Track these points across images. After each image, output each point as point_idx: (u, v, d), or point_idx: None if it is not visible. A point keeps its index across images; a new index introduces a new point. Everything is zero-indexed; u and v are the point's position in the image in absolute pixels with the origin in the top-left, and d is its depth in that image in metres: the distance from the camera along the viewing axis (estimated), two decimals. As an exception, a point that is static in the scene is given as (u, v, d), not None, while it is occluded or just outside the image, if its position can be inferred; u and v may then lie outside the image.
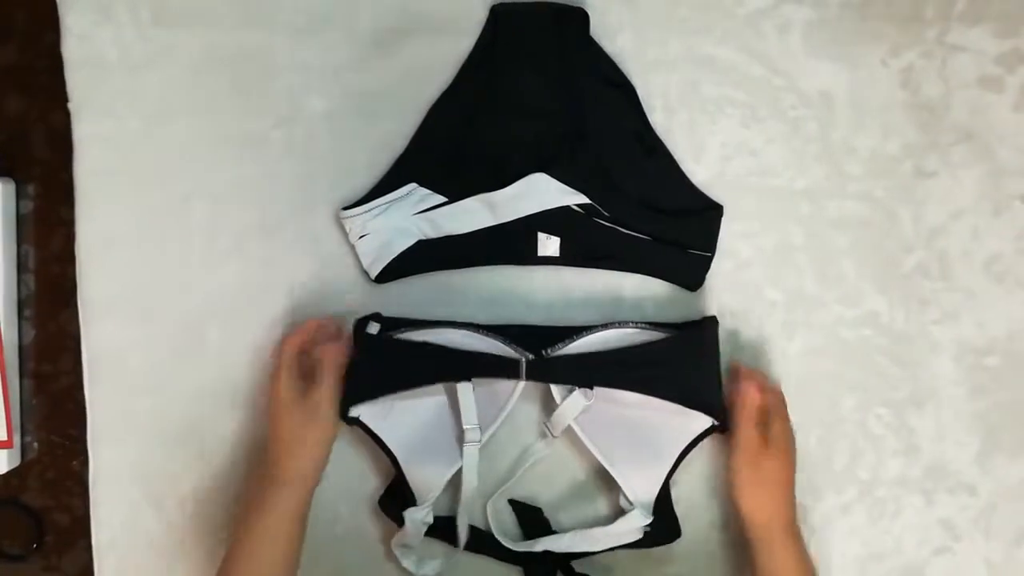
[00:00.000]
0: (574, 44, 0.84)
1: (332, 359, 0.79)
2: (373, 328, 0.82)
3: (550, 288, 0.86)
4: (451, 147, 0.84)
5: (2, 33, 0.89)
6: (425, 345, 0.80)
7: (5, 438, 0.87)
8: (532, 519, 0.86)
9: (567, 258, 0.85)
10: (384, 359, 0.80)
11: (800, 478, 0.83)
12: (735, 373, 0.83)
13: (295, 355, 0.79)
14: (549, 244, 0.85)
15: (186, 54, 0.86)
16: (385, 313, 0.84)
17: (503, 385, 0.81)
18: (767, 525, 0.78)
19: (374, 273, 0.85)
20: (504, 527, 0.86)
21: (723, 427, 0.80)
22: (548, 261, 0.85)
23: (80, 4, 0.86)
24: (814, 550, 0.86)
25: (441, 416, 0.83)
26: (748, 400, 0.79)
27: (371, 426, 0.81)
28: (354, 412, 0.80)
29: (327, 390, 0.78)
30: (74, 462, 0.90)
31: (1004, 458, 0.86)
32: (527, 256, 0.85)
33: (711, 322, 0.82)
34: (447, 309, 0.86)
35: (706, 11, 0.86)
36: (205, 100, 0.86)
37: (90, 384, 0.87)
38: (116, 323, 0.87)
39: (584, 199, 0.83)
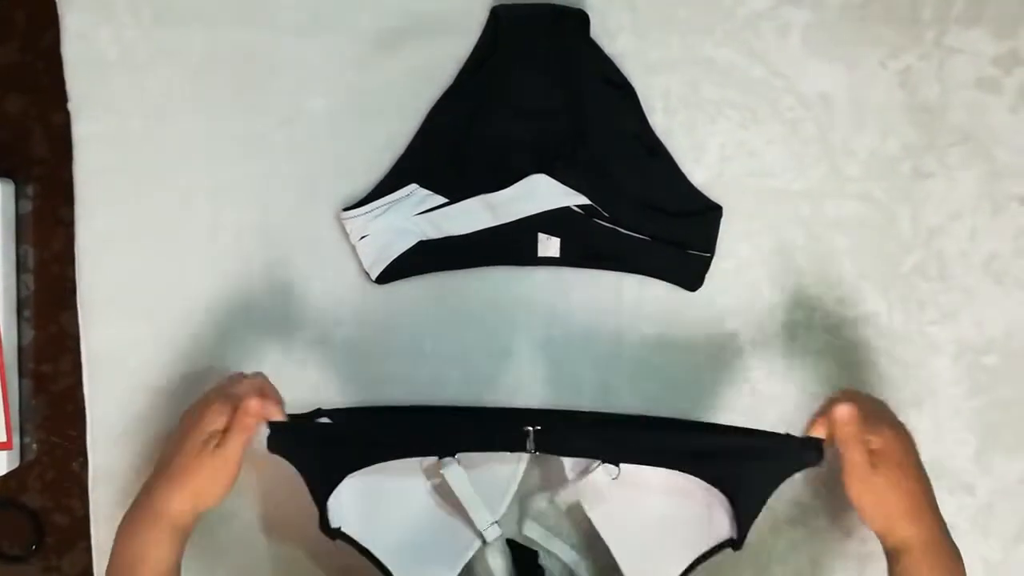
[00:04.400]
0: (574, 45, 0.84)
1: (247, 421, 0.71)
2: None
3: (550, 288, 0.86)
4: (452, 148, 0.85)
5: (2, 33, 0.89)
6: (397, 424, 0.76)
7: (4, 439, 0.86)
8: (528, 565, 0.82)
9: (567, 259, 0.85)
10: (352, 438, 0.74)
11: (801, 478, 0.84)
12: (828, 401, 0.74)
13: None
14: (549, 245, 0.85)
15: (187, 53, 0.86)
16: (386, 314, 0.84)
17: (497, 472, 0.76)
18: (900, 544, 0.70)
19: (375, 274, 0.85)
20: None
21: (738, 544, 0.73)
22: (548, 262, 0.85)
23: (80, 3, 0.85)
24: (815, 550, 0.86)
25: (436, 506, 0.77)
26: (838, 418, 0.70)
27: (357, 537, 0.74)
28: (335, 521, 0.74)
29: (235, 449, 0.70)
30: (74, 463, 0.90)
31: (1002, 457, 0.87)
32: (527, 257, 0.85)
33: (811, 447, 0.72)
34: (447, 310, 0.86)
35: (706, 13, 0.86)
36: (206, 100, 0.86)
37: (90, 385, 0.87)
38: (116, 323, 0.86)
39: (584, 200, 0.83)
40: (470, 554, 0.76)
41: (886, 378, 0.87)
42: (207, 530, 0.83)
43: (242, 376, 0.77)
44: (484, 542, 0.76)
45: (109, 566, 0.70)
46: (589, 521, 0.77)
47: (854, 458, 0.70)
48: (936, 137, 0.86)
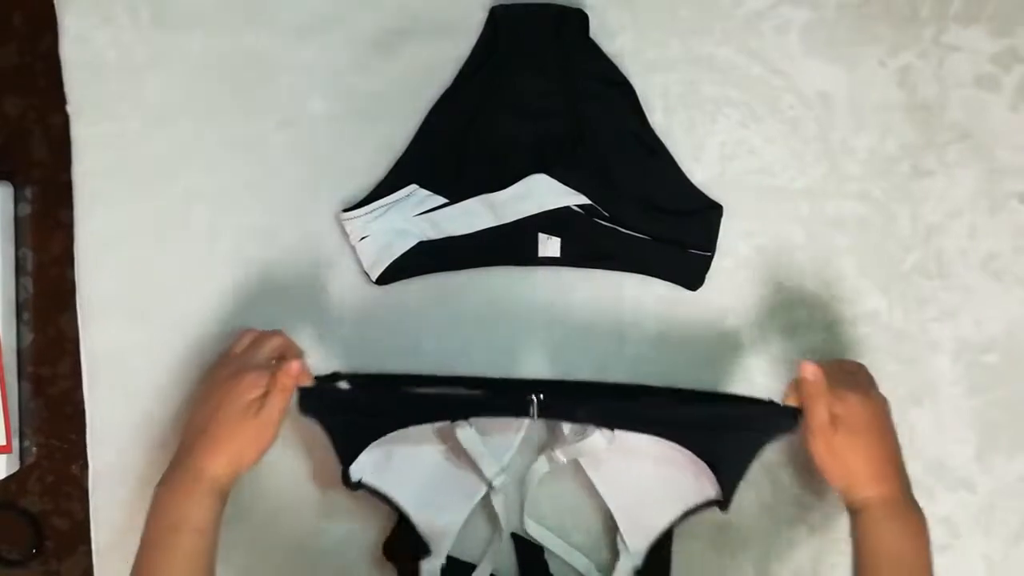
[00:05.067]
0: (573, 45, 0.84)
1: (287, 383, 0.73)
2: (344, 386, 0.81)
3: (550, 288, 0.86)
4: (451, 148, 0.85)
5: (0, 35, 0.89)
6: (417, 393, 0.79)
7: (4, 442, 0.86)
8: (532, 560, 0.84)
9: (568, 258, 0.85)
10: (376, 404, 0.77)
11: (802, 475, 0.84)
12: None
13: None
14: (550, 244, 0.85)
15: (186, 55, 0.86)
16: (387, 315, 0.84)
17: (503, 434, 0.80)
18: (862, 503, 0.73)
19: (375, 275, 0.85)
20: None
21: (724, 505, 0.76)
22: (549, 262, 0.85)
23: (79, 5, 0.85)
24: (815, 548, 0.86)
25: (446, 460, 0.82)
26: (805, 379, 0.73)
27: (375, 485, 0.78)
28: (355, 475, 0.77)
29: (276, 412, 0.73)
30: (73, 466, 0.89)
31: (1003, 455, 0.87)
32: (528, 257, 0.85)
33: (787, 414, 0.75)
34: (447, 311, 0.86)
35: (705, 12, 0.86)
36: (205, 102, 0.86)
37: (89, 387, 0.86)
38: (115, 326, 0.86)
39: (584, 199, 0.83)
40: (478, 498, 0.81)
41: (886, 376, 0.86)
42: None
43: (262, 335, 0.77)
44: (491, 487, 0.80)
45: (147, 530, 0.71)
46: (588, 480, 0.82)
47: (815, 417, 0.72)
48: (935, 135, 0.87)
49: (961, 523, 0.87)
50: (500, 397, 0.80)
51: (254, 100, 0.86)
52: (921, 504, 0.86)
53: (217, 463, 0.71)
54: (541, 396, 0.74)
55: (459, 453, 0.80)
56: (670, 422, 0.76)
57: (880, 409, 0.75)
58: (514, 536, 0.84)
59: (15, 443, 0.87)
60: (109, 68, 0.86)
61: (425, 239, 0.85)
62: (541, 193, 0.83)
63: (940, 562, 0.86)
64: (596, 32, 0.85)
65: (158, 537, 0.70)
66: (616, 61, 0.85)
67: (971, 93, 0.86)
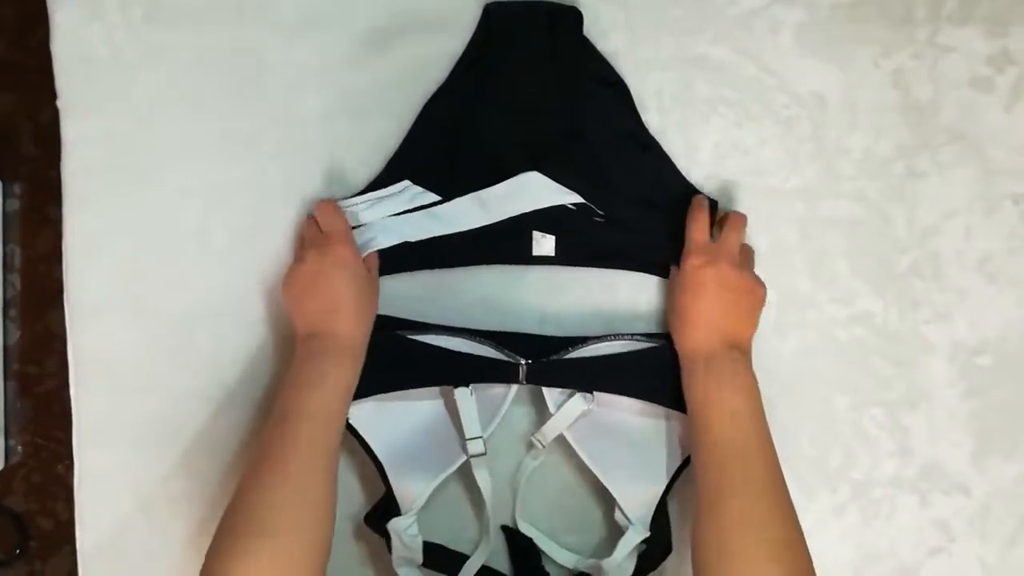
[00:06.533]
0: (567, 43, 0.84)
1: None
2: None
3: (545, 287, 0.86)
4: (445, 146, 0.84)
5: (-9, 30, 0.89)
6: (425, 346, 0.79)
7: (-11, 441, 0.86)
8: (523, 551, 0.85)
9: (562, 257, 0.85)
10: (382, 357, 0.79)
11: (793, 479, 0.83)
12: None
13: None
14: (544, 243, 0.85)
15: (178, 52, 0.86)
16: (380, 312, 0.83)
17: (496, 392, 0.81)
18: (705, 353, 0.77)
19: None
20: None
21: None
22: (543, 260, 0.85)
23: (70, 1, 0.85)
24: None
25: (433, 422, 0.82)
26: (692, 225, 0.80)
27: (359, 430, 0.80)
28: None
29: (373, 267, 0.82)
30: (59, 465, 0.89)
31: (998, 458, 0.86)
32: (522, 255, 0.85)
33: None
34: (441, 308, 0.85)
35: (699, 11, 0.86)
36: (197, 98, 0.86)
37: (76, 386, 0.85)
38: (104, 324, 0.85)
39: (578, 198, 0.82)
40: (454, 467, 0.80)
41: (880, 378, 0.86)
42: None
43: (313, 218, 0.81)
44: (466, 452, 0.80)
45: (281, 397, 0.73)
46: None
47: (696, 238, 0.80)
48: (929, 136, 0.86)
49: (956, 527, 0.86)
50: (492, 365, 0.81)
51: (247, 97, 0.86)
52: (915, 508, 0.86)
53: (357, 327, 0.77)
54: (529, 362, 0.79)
55: (452, 415, 0.81)
56: (631, 379, 0.79)
57: (758, 294, 0.79)
58: (504, 528, 0.85)
59: (0, 442, 0.87)
60: (100, 64, 0.85)
61: (416, 236, 0.84)
62: (534, 191, 0.82)
63: (936, 566, 0.86)
64: (589, 30, 0.85)
65: (293, 398, 0.73)
66: (610, 60, 0.85)
67: (965, 94, 0.86)
